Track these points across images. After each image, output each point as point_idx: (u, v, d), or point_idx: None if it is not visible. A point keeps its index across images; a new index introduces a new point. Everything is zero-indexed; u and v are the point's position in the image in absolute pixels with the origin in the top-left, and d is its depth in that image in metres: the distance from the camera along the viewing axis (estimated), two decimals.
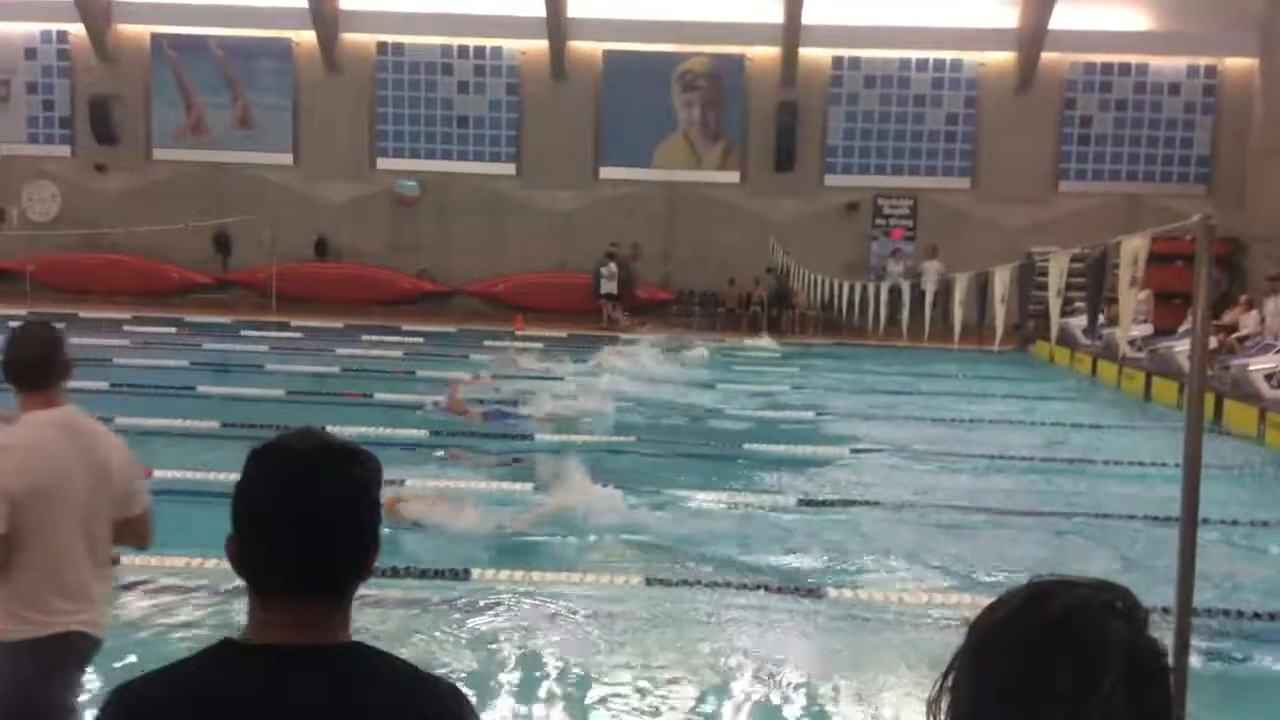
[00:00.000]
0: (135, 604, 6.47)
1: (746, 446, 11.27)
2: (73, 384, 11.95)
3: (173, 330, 19.74)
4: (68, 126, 25.44)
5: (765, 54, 25.31)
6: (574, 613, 6.36)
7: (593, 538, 7.83)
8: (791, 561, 7.47)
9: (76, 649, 3.47)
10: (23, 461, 3.37)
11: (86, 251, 24.33)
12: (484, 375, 14.83)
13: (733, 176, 25.71)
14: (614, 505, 8.24)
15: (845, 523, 8.47)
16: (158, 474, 8.94)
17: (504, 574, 6.79)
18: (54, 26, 25.22)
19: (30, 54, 25.50)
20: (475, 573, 6.73)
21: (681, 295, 25.05)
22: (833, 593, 6.65)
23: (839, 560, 7.47)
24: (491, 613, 6.30)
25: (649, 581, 6.73)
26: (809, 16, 24.50)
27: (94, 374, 14.09)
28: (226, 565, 5.38)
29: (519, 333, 21.59)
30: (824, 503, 9.04)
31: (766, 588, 6.82)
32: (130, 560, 6.77)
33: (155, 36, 25.18)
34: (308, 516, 1.65)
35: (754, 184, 25.56)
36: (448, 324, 21.81)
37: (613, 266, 23.84)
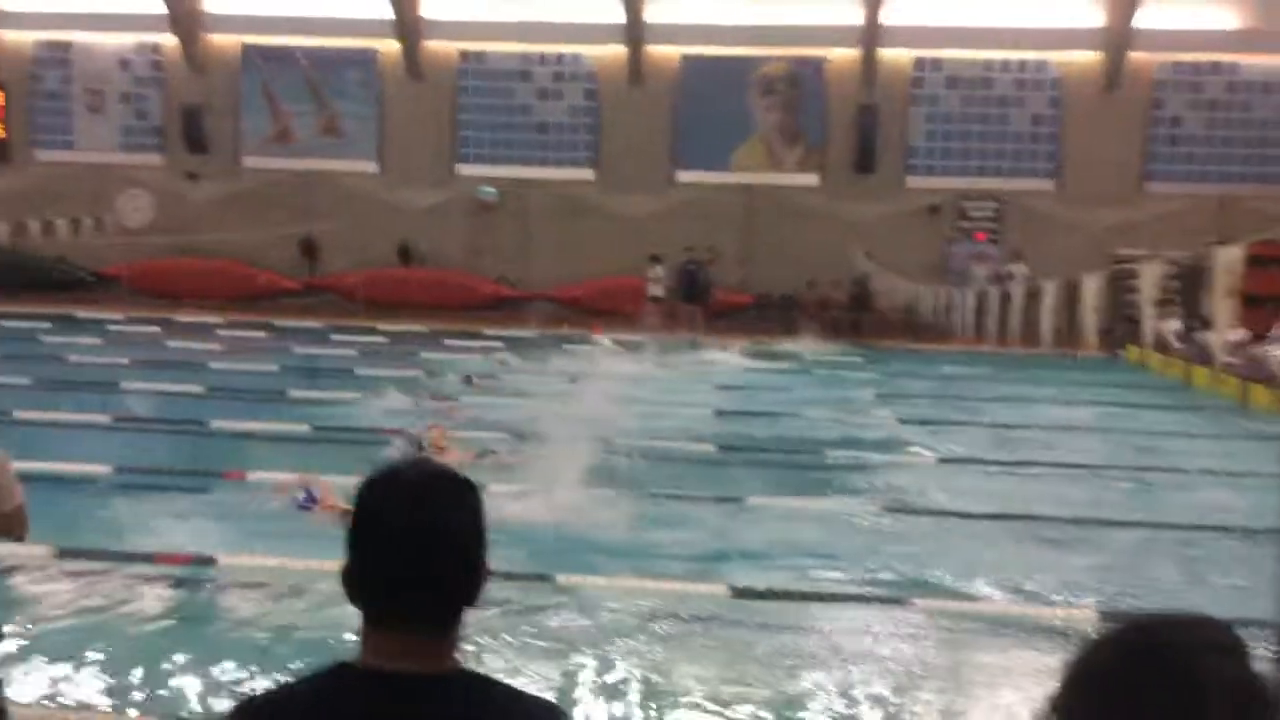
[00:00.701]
0: (227, 604, 6.64)
1: (829, 454, 11.21)
2: (170, 387, 12.21)
3: (262, 335, 20.18)
4: (160, 136, 26.16)
5: (845, 56, 25.15)
6: (656, 620, 6.39)
7: (679, 544, 7.86)
8: (876, 572, 7.41)
9: None
10: None
11: (178, 257, 24.99)
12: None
13: (812, 179, 25.58)
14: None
15: (931, 532, 8.38)
16: (250, 476, 9.20)
17: (589, 579, 6.84)
18: (147, 38, 25.96)
19: (124, 65, 26.28)
20: (560, 578, 6.78)
21: (760, 299, 24.97)
22: (919, 604, 6.58)
23: (924, 571, 7.39)
24: (570, 618, 6.35)
25: (735, 592, 6.73)
26: (889, 18, 24.29)
27: (189, 377, 14.53)
28: (315, 566, 5.43)
29: (596, 337, 21.70)
30: (909, 511, 8.95)
31: (851, 598, 6.78)
32: (227, 560, 6.97)
33: (245, 47, 25.78)
34: (417, 545, 1.69)
35: (833, 186, 25.40)
36: (528, 329, 22.01)
37: (659, 270, 23.80)
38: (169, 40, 25.69)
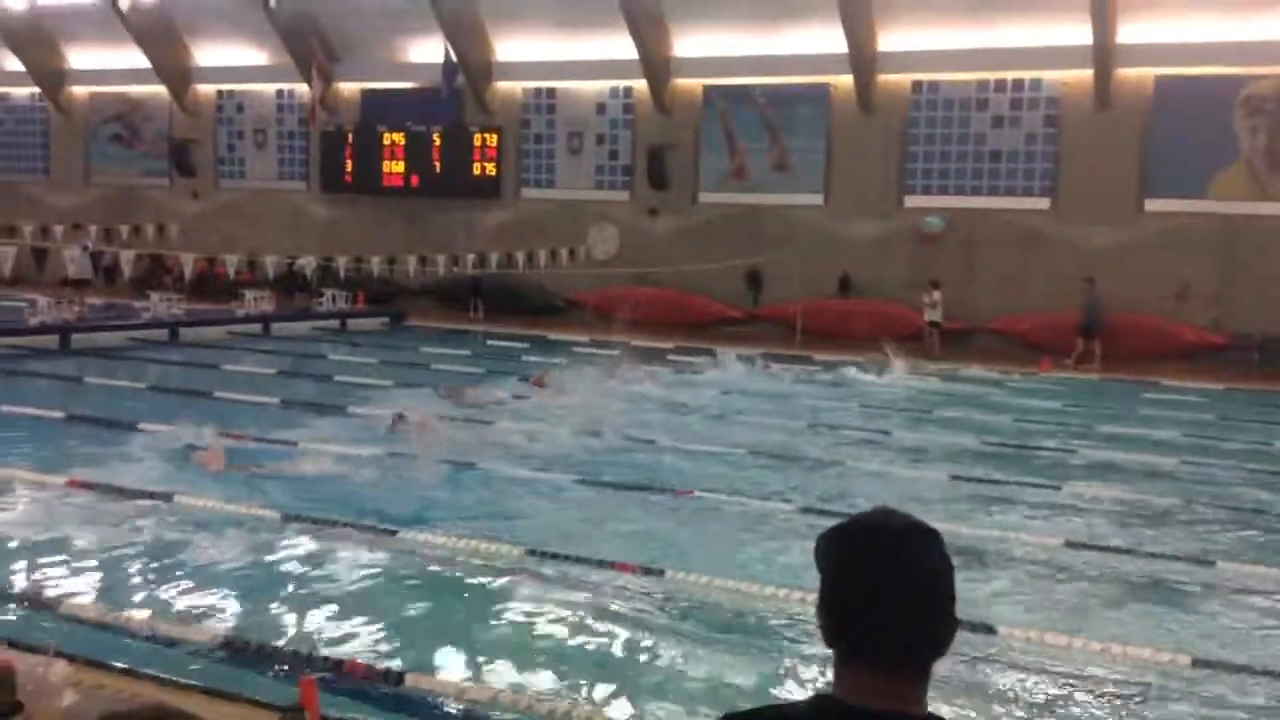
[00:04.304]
0: (677, 616, 7.03)
1: None
2: (624, 406, 12.94)
3: (708, 359, 21.11)
4: (628, 174, 28.26)
5: None
6: (1102, 687, 6.00)
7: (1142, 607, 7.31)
8: None
9: None
10: None
11: (636, 286, 26.82)
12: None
13: None
14: None
15: None
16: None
17: (1031, 634, 6.55)
18: (621, 83, 28.13)
19: (600, 109, 28.66)
20: (1002, 630, 6.54)
21: (1237, 340, 22.57)
22: None
23: None
24: (1013, 673, 6.13)
25: (1195, 662, 6.16)
26: None
27: (637, 397, 15.56)
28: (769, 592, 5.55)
29: (1042, 374, 20.78)
30: None
31: None
32: (672, 573, 7.37)
33: (707, 88, 27.23)
34: (903, 596, 1.74)
35: None
36: (968, 362, 21.45)
37: (936, 295, 23.32)
38: (640, 84, 27.66)
